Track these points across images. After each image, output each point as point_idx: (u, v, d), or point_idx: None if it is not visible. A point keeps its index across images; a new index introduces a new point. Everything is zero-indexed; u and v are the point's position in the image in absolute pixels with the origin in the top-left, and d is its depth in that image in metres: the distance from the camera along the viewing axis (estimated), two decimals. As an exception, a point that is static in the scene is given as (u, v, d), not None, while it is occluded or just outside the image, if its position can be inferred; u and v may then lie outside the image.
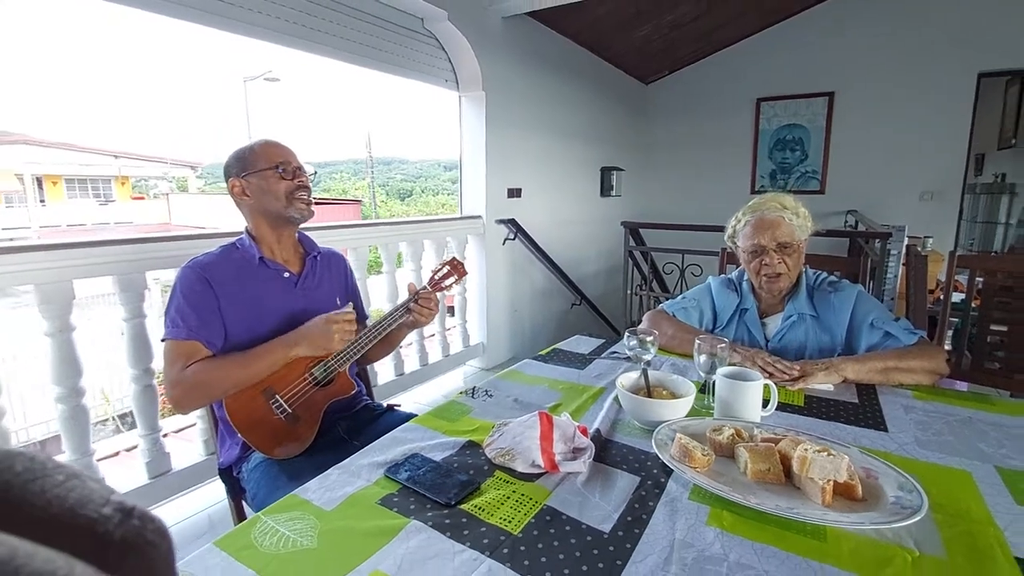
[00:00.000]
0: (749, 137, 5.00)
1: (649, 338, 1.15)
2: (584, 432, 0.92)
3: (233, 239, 1.20)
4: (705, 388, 1.09)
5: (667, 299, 1.57)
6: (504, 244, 3.24)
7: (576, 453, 0.88)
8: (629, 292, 3.54)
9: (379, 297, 2.54)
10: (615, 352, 1.42)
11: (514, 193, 3.31)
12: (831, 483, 0.73)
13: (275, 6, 2.05)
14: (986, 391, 1.47)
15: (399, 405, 1.34)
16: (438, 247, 2.76)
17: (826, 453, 0.76)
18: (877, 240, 2.86)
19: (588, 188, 4.48)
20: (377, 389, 2.38)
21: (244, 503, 1.17)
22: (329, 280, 1.29)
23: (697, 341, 1.08)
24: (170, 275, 1.39)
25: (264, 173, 1.14)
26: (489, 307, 3.20)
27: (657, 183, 5.52)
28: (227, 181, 1.17)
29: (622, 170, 4.75)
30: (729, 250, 1.50)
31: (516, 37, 3.21)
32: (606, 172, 4.61)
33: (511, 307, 3.42)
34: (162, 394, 1.31)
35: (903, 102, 4.34)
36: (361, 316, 1.38)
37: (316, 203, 1.24)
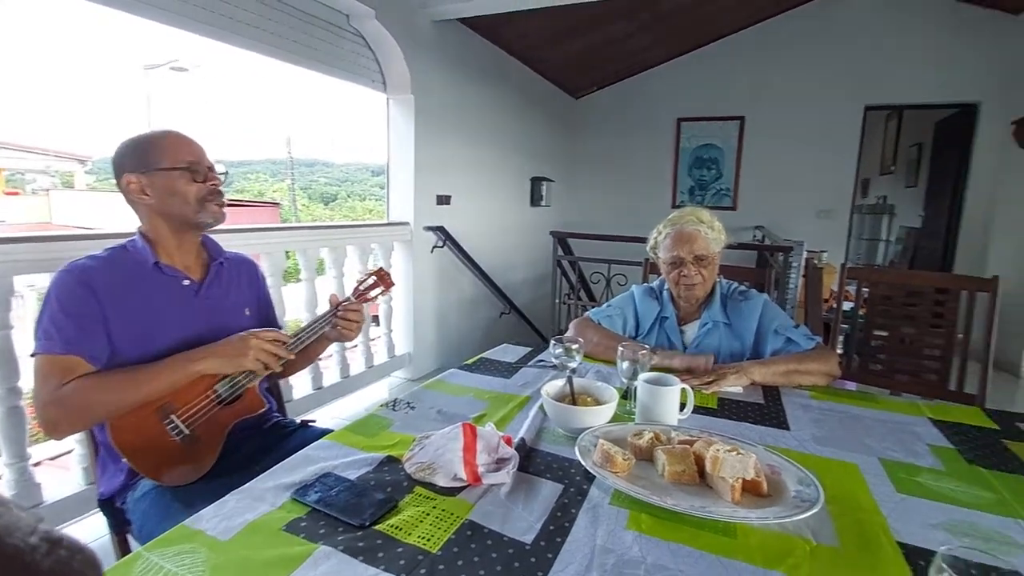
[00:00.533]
0: (670, 154, 5.29)
1: (575, 346, 1.16)
2: (508, 442, 0.90)
3: (123, 241, 1.07)
4: (627, 394, 1.11)
5: (594, 307, 1.60)
6: (432, 252, 3.19)
7: (500, 464, 0.86)
8: (557, 301, 3.60)
9: (296, 306, 2.40)
10: (542, 360, 1.42)
11: (443, 200, 3.28)
12: (740, 481, 0.77)
13: (182, -11, 1.90)
14: (872, 390, 1.62)
15: (314, 421, 1.26)
16: (362, 254, 2.66)
17: (735, 452, 0.79)
18: (780, 253, 3.11)
19: (518, 197, 4.53)
20: (292, 404, 2.23)
21: (130, 537, 1.05)
22: (237, 289, 1.18)
23: (620, 348, 1.11)
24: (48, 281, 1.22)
25: (171, 173, 1.02)
26: (416, 316, 3.13)
27: (585, 194, 5.70)
28: (119, 177, 1.03)
29: (552, 181, 4.86)
30: (652, 260, 1.56)
31: (447, 42, 3.19)
32: (536, 182, 4.69)
33: (439, 315, 3.36)
34: (33, 417, 1.14)
35: (802, 129, 4.80)
36: (274, 328, 1.28)
37: (228, 205, 1.13)
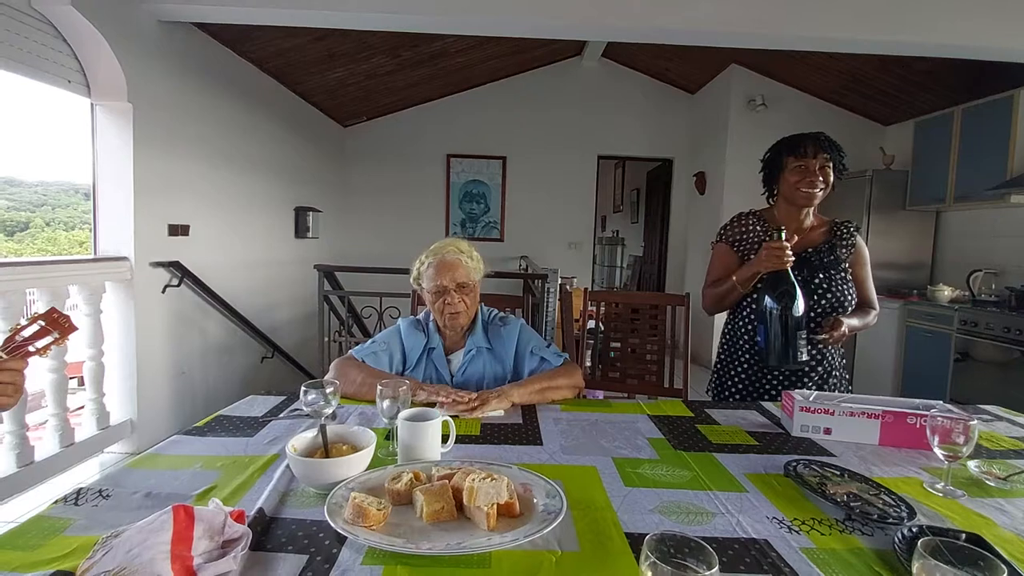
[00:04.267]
0: (442, 188, 5.55)
1: (329, 390, 1.05)
2: (239, 518, 0.75)
3: None
4: (390, 435, 1.05)
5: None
6: (164, 292, 2.64)
7: (227, 547, 0.70)
8: (327, 339, 3.34)
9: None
10: (296, 409, 1.26)
11: (179, 230, 2.75)
12: (495, 507, 0.77)
13: None
14: (618, 396, 1.88)
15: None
16: (55, 299, 2.03)
17: (490, 479, 0.80)
18: (539, 280, 3.47)
19: (280, 228, 4.13)
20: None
21: None
22: None
23: (379, 387, 1.05)
24: None
25: None
26: (141, 373, 2.53)
27: (359, 226, 5.54)
28: None
29: (319, 211, 4.57)
30: (417, 292, 1.55)
31: (182, 49, 2.75)
32: (301, 212, 4.35)
33: (175, 369, 2.78)
34: None
35: (553, 171, 5.59)
36: None
37: None
